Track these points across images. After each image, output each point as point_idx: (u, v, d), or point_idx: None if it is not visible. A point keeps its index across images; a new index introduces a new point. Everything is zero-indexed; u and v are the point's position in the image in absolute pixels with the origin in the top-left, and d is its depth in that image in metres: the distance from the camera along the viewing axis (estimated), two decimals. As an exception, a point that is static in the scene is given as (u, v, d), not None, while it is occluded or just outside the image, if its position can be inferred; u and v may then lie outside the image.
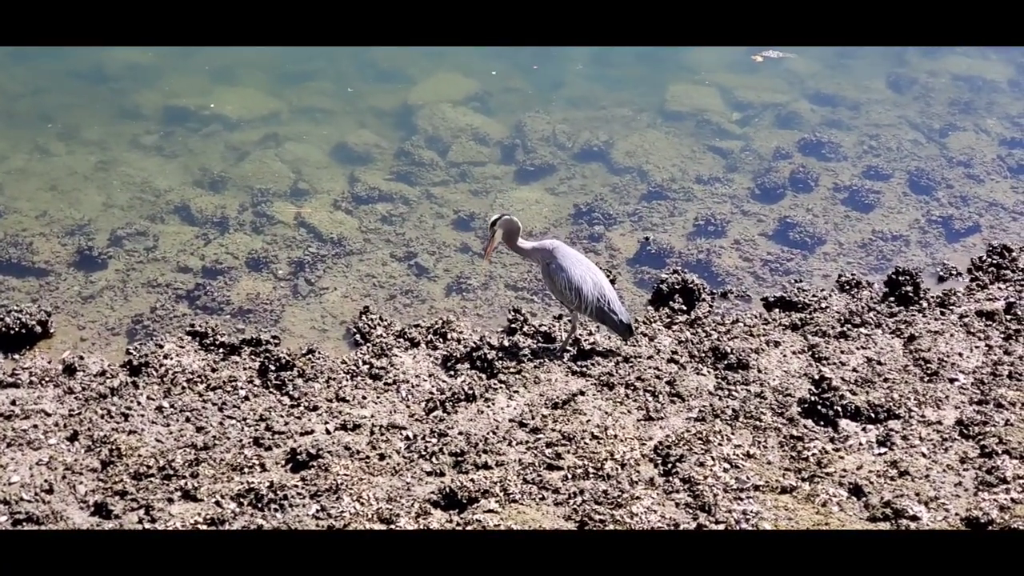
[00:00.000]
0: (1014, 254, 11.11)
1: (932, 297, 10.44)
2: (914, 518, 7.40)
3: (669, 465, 8.04)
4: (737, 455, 8.13)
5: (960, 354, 9.54)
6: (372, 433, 8.48)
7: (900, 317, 10.11)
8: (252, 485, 7.77)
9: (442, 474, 8.03)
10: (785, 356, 9.56)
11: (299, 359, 9.31)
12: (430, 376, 9.25)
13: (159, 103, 13.74)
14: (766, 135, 13.79)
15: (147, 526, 7.35)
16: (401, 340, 9.69)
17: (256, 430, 8.52)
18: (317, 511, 7.55)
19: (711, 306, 10.37)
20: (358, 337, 9.80)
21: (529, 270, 10.48)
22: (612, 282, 10.49)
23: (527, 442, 8.39)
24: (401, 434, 8.49)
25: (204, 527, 7.39)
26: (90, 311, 10.18)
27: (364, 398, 8.94)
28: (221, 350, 9.49)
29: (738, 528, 7.21)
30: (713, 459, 8.04)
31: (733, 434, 8.40)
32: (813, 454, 8.19)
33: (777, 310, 10.34)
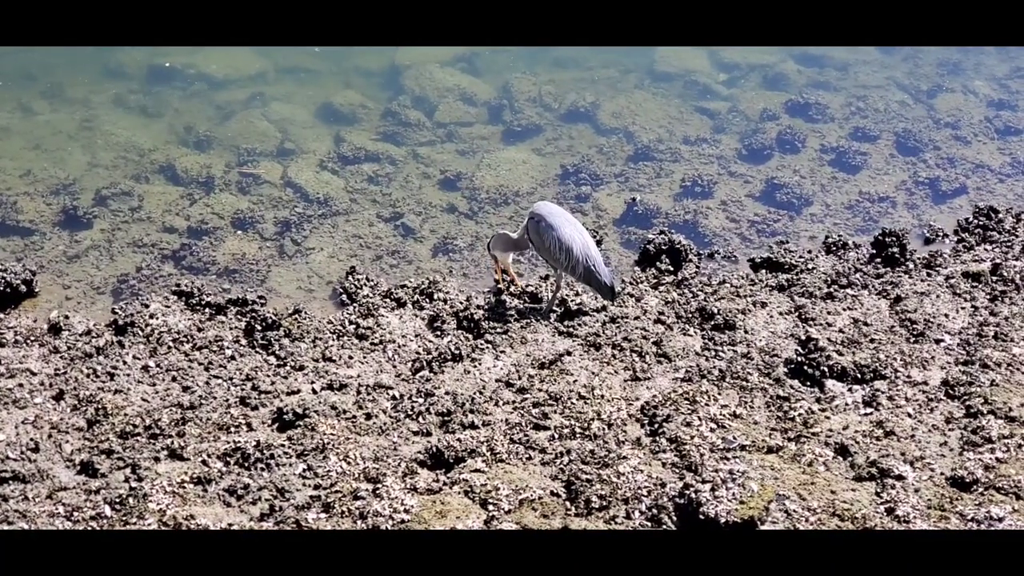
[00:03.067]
0: (1000, 215, 11.13)
1: (918, 258, 10.46)
2: (899, 477, 7.42)
3: (656, 425, 8.06)
4: (724, 415, 8.14)
5: (946, 315, 9.56)
6: (359, 393, 8.48)
7: (887, 278, 10.12)
8: (239, 444, 7.76)
9: (429, 434, 8.03)
10: (772, 317, 9.57)
11: (285, 319, 9.30)
12: (417, 336, 9.24)
13: (144, 62, 13.67)
14: (753, 96, 13.78)
15: (133, 485, 7.34)
16: (388, 300, 9.67)
17: (242, 390, 8.51)
18: (304, 470, 7.55)
19: (698, 267, 10.36)
20: (344, 297, 9.78)
21: (514, 230, 10.45)
22: (599, 243, 10.49)
23: (514, 402, 8.40)
24: (388, 394, 8.48)
25: (191, 486, 7.38)
26: (75, 270, 10.14)
27: (351, 358, 8.93)
28: (207, 310, 9.47)
29: (725, 488, 7.22)
30: (700, 419, 8.05)
31: (720, 394, 8.41)
32: (799, 414, 8.21)
33: (764, 271, 10.34)
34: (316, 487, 7.39)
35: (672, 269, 10.25)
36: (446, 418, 8.18)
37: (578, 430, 8.00)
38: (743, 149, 12.60)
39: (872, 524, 6.91)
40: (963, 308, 9.66)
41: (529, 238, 9.47)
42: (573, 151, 12.48)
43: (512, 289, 9.92)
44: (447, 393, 8.47)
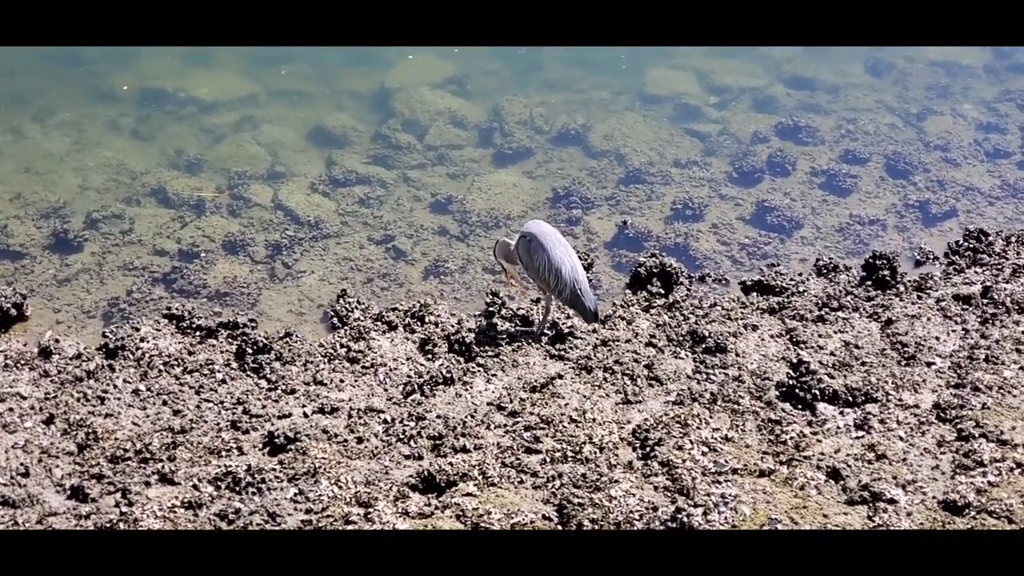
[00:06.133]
0: (990, 238, 11.14)
1: (909, 281, 10.47)
2: (891, 501, 7.42)
3: (647, 449, 8.05)
4: (715, 439, 8.14)
5: (937, 338, 9.56)
6: (350, 416, 8.47)
7: (877, 301, 10.13)
8: (230, 468, 7.74)
9: (420, 457, 8.02)
10: (763, 340, 9.57)
11: (276, 342, 9.28)
12: (408, 359, 9.23)
13: (135, 85, 13.67)
14: (743, 119, 13.80)
15: (124, 510, 7.32)
16: (379, 323, 9.66)
17: (233, 413, 8.49)
18: (295, 495, 7.53)
19: (689, 290, 10.37)
20: (335, 320, 9.77)
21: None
22: (590, 266, 10.50)
23: (505, 425, 8.39)
24: (379, 417, 8.47)
25: (182, 511, 7.36)
26: (66, 294, 10.12)
27: (342, 381, 8.92)
28: (198, 333, 9.45)
29: (717, 512, 7.22)
30: (691, 443, 8.05)
31: (711, 418, 8.41)
32: (791, 437, 8.21)
33: (755, 294, 10.34)
34: (307, 511, 7.38)
35: (663, 292, 10.25)
36: (438, 442, 8.17)
37: (570, 453, 7.99)
38: (734, 172, 12.62)
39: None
40: (954, 331, 9.67)
41: (519, 256, 9.47)
42: (564, 174, 12.49)
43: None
44: (438, 417, 8.46)
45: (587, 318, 9.47)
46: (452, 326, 9.61)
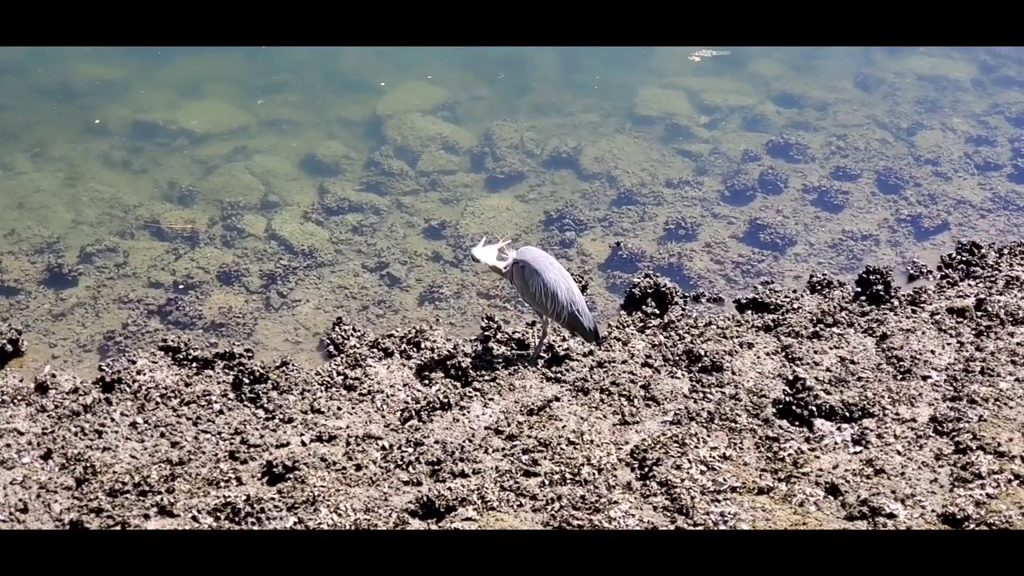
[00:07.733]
0: (983, 251, 11.16)
1: (903, 295, 10.48)
2: (891, 516, 7.43)
3: (646, 469, 8.05)
4: (713, 457, 8.14)
5: (932, 351, 9.57)
6: (348, 444, 8.47)
7: (872, 316, 10.14)
8: (229, 499, 7.74)
9: (419, 483, 8.02)
10: (759, 357, 9.58)
11: (273, 372, 9.28)
12: (405, 385, 9.23)
13: (126, 118, 13.68)
14: (734, 138, 13.83)
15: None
16: (375, 350, 9.67)
17: (231, 444, 8.49)
18: (295, 524, 7.52)
19: (684, 309, 10.38)
20: (332, 348, 9.77)
21: (501, 277, 10.47)
22: (585, 288, 10.51)
23: (503, 449, 8.39)
24: (377, 444, 8.47)
25: (181, 542, 7.36)
26: (61, 329, 10.12)
27: (339, 409, 8.92)
28: (194, 364, 9.44)
29: (716, 530, 7.22)
30: (689, 462, 8.05)
31: (709, 436, 8.41)
32: (789, 454, 8.22)
33: (749, 312, 10.36)
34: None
35: (658, 312, 10.27)
36: (436, 467, 8.17)
37: (568, 476, 7.99)
38: (726, 190, 12.65)
39: (865, 563, 6.91)
40: (949, 344, 9.69)
41: (513, 283, 9.49)
42: (556, 197, 12.51)
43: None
44: (436, 442, 8.46)
45: (588, 338, 9.49)
46: (448, 351, 9.61)
